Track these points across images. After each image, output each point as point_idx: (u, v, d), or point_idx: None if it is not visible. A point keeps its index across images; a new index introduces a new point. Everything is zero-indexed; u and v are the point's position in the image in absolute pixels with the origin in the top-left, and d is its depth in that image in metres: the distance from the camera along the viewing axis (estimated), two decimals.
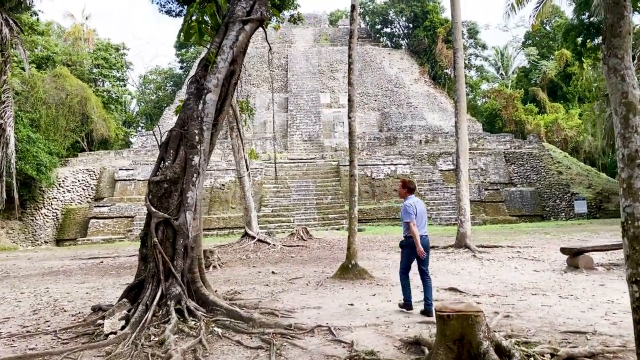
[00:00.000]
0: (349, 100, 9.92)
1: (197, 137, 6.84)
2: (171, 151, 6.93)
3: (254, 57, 54.30)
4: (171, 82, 71.21)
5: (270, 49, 10.69)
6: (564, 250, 9.79)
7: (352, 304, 7.23)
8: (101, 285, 10.57)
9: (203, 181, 7.01)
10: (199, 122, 6.88)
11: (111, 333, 5.87)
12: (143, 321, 6.01)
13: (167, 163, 6.88)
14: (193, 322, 6.15)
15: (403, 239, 6.99)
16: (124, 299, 6.59)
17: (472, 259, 12.19)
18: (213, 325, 6.14)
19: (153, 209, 6.71)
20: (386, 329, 5.78)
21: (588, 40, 32.31)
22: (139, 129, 64.95)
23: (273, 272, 11.00)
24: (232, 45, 7.29)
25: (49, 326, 6.83)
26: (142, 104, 69.96)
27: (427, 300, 6.72)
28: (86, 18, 46.48)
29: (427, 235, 6.91)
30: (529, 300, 7.07)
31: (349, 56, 9.82)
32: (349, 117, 9.94)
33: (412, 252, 6.85)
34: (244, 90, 49.12)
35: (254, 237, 19.24)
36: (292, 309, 6.96)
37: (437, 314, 4.24)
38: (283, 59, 54.02)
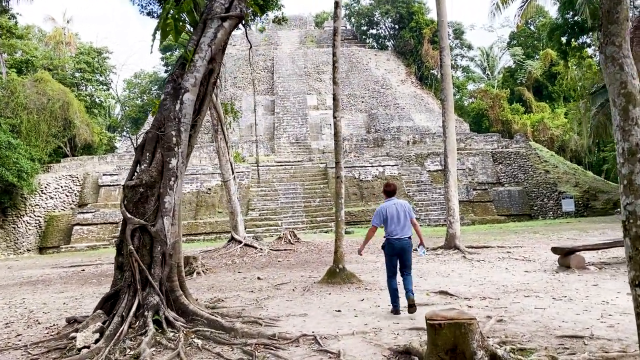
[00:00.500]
0: (334, 99, 9.65)
1: (174, 139, 6.52)
2: (147, 154, 6.60)
3: (239, 60, 53.91)
4: (156, 86, 70.52)
5: (251, 46, 10.41)
6: (555, 250, 9.61)
7: (339, 310, 6.94)
8: (80, 294, 10.18)
9: (181, 185, 6.69)
10: (176, 123, 6.56)
11: (84, 347, 5.53)
12: (118, 334, 5.68)
13: (143, 166, 6.55)
14: (172, 334, 5.83)
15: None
16: (99, 310, 6.25)
17: (462, 260, 11.97)
18: (193, 336, 5.82)
19: (128, 215, 6.37)
20: (375, 336, 5.51)
21: (573, 39, 32.49)
22: (124, 133, 64.20)
23: (259, 278, 10.67)
24: (210, 43, 6.99)
25: (19, 340, 6.46)
26: (127, 108, 69.21)
27: (407, 290, 6.73)
28: (67, 22, 45.78)
29: (406, 237, 6.87)
30: (522, 302, 6.85)
31: (333, 54, 9.58)
32: (335, 117, 9.68)
33: (391, 254, 6.93)
34: (229, 93, 48.77)
35: (240, 242, 18.91)
36: (277, 317, 6.66)
37: (428, 323, 3.97)
38: (269, 61, 53.68)
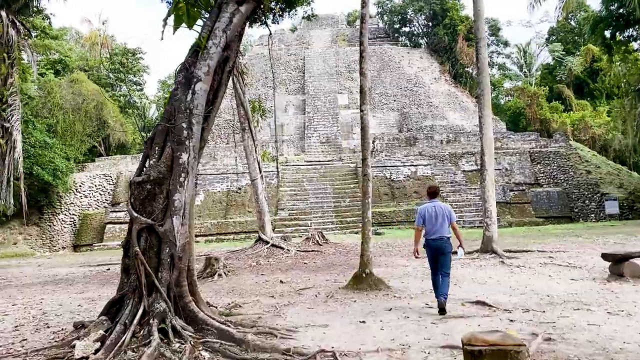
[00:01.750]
0: (361, 91, 8.99)
1: (185, 132, 6.01)
2: (156, 148, 6.11)
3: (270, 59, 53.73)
4: None
5: (271, 33, 9.83)
6: (606, 257, 8.68)
7: (364, 321, 6.29)
8: (98, 296, 9.86)
9: (193, 182, 6.17)
10: (188, 114, 6.05)
11: (82, 358, 5.07)
12: (120, 343, 5.20)
13: (151, 162, 6.07)
14: (178, 344, 5.31)
15: None
16: (103, 317, 5.80)
17: (500, 266, 11.11)
18: (200, 348, 5.29)
19: (134, 214, 5.90)
20: (402, 355, 4.84)
21: (618, 33, 30.79)
22: None
23: (281, 282, 10.10)
24: (225, 29, 6.46)
25: (22, 346, 6.09)
26: (161, 109, 70.08)
27: (442, 294, 6.84)
28: (103, 23, 46.63)
29: (441, 238, 7.08)
30: (572, 317, 6.04)
31: (361, 43, 8.92)
32: (361, 110, 9.01)
33: (429, 253, 7.23)
34: (261, 92, 48.60)
35: (267, 242, 18.46)
36: (295, 327, 6.06)
37: (465, 349, 3.30)
38: (300, 60, 53.31)
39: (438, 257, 7.07)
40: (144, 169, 6.19)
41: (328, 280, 10.13)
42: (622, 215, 30.43)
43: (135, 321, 5.47)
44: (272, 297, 8.38)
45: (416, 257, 7.51)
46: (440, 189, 31.29)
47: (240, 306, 7.59)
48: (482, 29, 13.40)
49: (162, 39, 6.69)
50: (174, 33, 7.16)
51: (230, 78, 18.89)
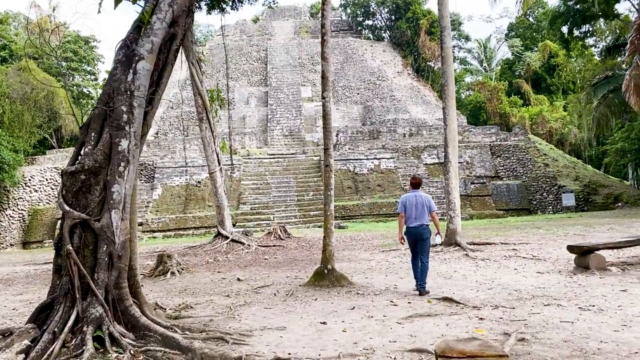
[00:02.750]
0: (323, 77, 8.46)
1: (125, 116, 5.36)
2: (93, 134, 5.45)
3: (232, 50, 52.57)
4: None
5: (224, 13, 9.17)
6: (571, 249, 8.51)
7: (324, 322, 5.82)
8: (37, 298, 9.04)
9: (135, 171, 5.53)
10: (128, 96, 5.40)
11: None
12: (47, 355, 4.56)
13: (87, 149, 5.40)
14: (115, 354, 4.70)
15: None
16: (30, 324, 5.12)
17: (465, 259, 10.87)
18: (141, 357, 4.70)
19: (67, 208, 5.22)
20: None
21: (575, 28, 31.42)
22: None
23: (239, 279, 9.51)
24: (171, 3, 5.82)
25: None
26: None
27: (421, 282, 7.52)
28: (53, 9, 44.29)
29: (421, 225, 7.64)
30: (543, 313, 5.74)
31: (322, 26, 8.38)
32: (323, 98, 8.49)
33: (409, 239, 7.79)
34: (221, 84, 47.45)
35: (227, 237, 17.80)
36: (250, 331, 5.53)
37: None
38: (262, 51, 52.39)
39: (417, 241, 7.67)
40: (79, 157, 5.51)
41: (288, 277, 9.62)
42: (578, 207, 31.19)
43: (66, 329, 4.82)
44: (228, 296, 7.81)
45: (402, 243, 8.14)
46: (403, 182, 31.41)
47: (191, 307, 6.99)
48: (447, 17, 13.11)
49: (99, 12, 6.00)
50: (115, 7, 6.48)
51: (188, 66, 18.09)
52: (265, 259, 13.25)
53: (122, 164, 5.33)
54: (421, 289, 7.36)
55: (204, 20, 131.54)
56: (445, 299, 6.71)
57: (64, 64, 41.57)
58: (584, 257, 8.27)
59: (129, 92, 5.42)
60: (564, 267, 8.93)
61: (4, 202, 29.91)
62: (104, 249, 5.16)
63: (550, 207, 31.98)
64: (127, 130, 5.38)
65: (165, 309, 6.74)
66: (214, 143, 18.44)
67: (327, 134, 8.53)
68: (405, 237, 7.85)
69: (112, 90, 5.46)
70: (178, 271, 10.32)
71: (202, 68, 18.11)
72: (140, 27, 5.78)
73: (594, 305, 5.94)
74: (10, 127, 33.82)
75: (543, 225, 20.31)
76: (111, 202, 5.25)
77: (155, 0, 5.85)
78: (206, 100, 18.06)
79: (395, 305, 6.54)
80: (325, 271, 8.15)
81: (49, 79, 37.04)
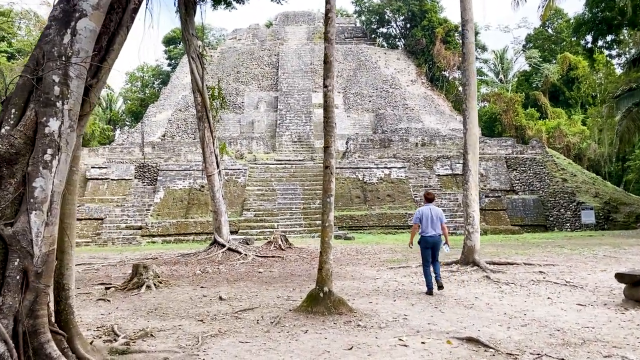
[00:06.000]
0: (325, 62, 7.08)
1: (56, 89, 4.07)
2: (13, 111, 4.15)
3: (243, 54, 51.67)
4: (159, 80, 68.48)
5: None
6: (622, 277, 7.00)
7: None
8: None
9: (68, 162, 4.23)
10: (63, 64, 4.12)
11: None
12: None
13: (3, 130, 4.10)
14: None
15: None
16: None
17: (486, 282, 9.41)
18: None
19: None
20: None
21: (599, 37, 29.96)
22: (125, 128, 62.17)
23: (221, 298, 8.13)
24: None
25: None
26: (128, 102, 67.24)
27: (437, 274, 8.62)
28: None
29: (437, 235, 8.64)
30: None
31: (327, 2, 7.08)
32: (325, 86, 7.11)
33: (425, 247, 8.67)
34: (231, 88, 46.42)
35: (223, 246, 16.53)
36: None
37: None
38: (274, 56, 51.43)
39: (434, 249, 8.63)
40: None
41: (279, 297, 8.22)
42: (598, 225, 29.57)
43: None
44: (202, 321, 6.44)
45: (410, 247, 9.27)
46: (414, 193, 29.93)
47: (151, 335, 5.64)
48: (470, 9, 11.77)
49: None
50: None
51: (188, 61, 16.87)
52: (259, 272, 11.88)
53: (50, 150, 4.02)
54: (438, 279, 8.46)
55: (217, 24, 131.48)
56: (470, 339, 5.27)
57: None
58: (636, 288, 6.80)
59: (64, 58, 4.12)
60: (608, 298, 7.46)
61: None
62: (16, 263, 3.83)
63: (568, 224, 30.36)
64: (58, 107, 4.07)
65: (117, 338, 5.40)
66: (213, 144, 17.23)
67: (328, 128, 7.12)
68: (419, 244, 8.69)
69: (43, 54, 4.16)
70: (155, 284, 8.99)
71: (202, 64, 16.91)
72: None
73: None
74: None
75: (565, 243, 18.78)
76: (31, 201, 3.93)
77: None
78: (206, 98, 16.89)
79: (405, 345, 5.12)
80: (321, 294, 6.71)
81: None
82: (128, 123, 66.02)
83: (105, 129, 47.07)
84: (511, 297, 7.82)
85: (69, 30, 4.21)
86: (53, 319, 4.28)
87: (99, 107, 61.20)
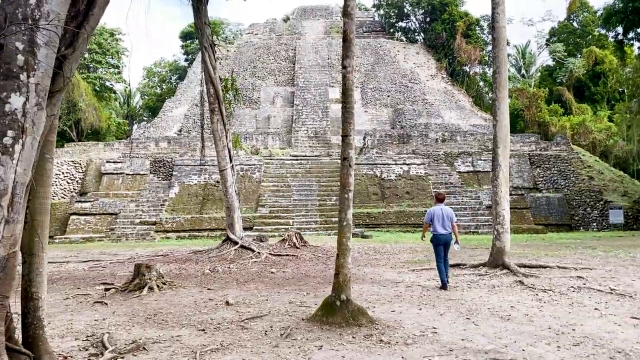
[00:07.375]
0: (344, 40, 6.26)
1: (20, 58, 3.38)
2: None
3: (259, 49, 51.05)
4: (176, 75, 68.31)
5: None
6: None
7: None
8: None
9: (35, 148, 3.53)
10: (29, 28, 3.42)
11: None
12: None
13: None
14: None
15: None
16: None
17: (520, 288, 8.52)
18: None
19: None
20: None
21: (631, 29, 28.58)
22: (143, 123, 62.18)
23: (227, 303, 7.39)
24: None
25: None
26: (146, 97, 67.22)
27: (446, 274, 9.00)
28: None
29: (448, 233, 9.03)
30: None
31: None
32: (344, 67, 6.30)
33: (437, 244, 9.06)
34: (248, 83, 45.84)
35: (236, 243, 15.87)
36: None
37: None
38: (291, 50, 50.70)
39: (445, 246, 9.06)
40: None
41: (292, 302, 7.47)
42: (627, 225, 28.25)
43: None
44: (203, 330, 5.71)
45: (422, 239, 10.04)
46: (434, 190, 28.95)
47: (143, 349, 4.95)
48: None
49: None
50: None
51: (200, 50, 16.21)
52: (271, 272, 11.17)
53: (11, 132, 3.32)
54: (446, 280, 8.84)
55: (234, 18, 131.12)
56: None
57: (86, 55, 40.66)
58: None
59: (30, 22, 3.41)
60: None
61: None
62: None
63: (595, 224, 29.12)
64: (22, 80, 3.37)
65: (103, 352, 4.71)
66: (226, 137, 16.56)
67: (347, 115, 6.27)
68: (431, 242, 9.15)
69: (5, 17, 3.45)
70: (158, 286, 8.32)
71: (215, 53, 16.23)
72: None
73: None
74: None
75: (595, 244, 17.74)
76: None
77: None
78: (219, 89, 16.22)
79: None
80: (338, 303, 5.90)
81: None
82: (145, 118, 66.03)
83: (121, 124, 46.81)
84: (552, 306, 6.93)
85: None
86: (19, 335, 3.58)
87: (116, 102, 61.27)
